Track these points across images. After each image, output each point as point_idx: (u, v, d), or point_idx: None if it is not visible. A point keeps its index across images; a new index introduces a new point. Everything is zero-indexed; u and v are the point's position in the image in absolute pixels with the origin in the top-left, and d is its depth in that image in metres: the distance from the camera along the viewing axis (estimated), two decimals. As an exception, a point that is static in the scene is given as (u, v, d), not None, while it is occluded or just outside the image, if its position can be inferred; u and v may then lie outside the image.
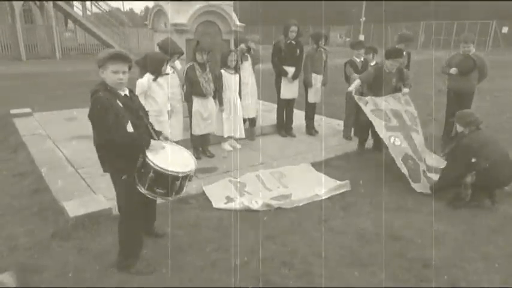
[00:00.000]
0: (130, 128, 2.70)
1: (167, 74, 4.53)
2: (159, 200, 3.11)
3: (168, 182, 2.71)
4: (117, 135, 2.64)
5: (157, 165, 2.66)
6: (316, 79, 6.48)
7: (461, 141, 4.22)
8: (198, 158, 5.52)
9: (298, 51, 6.36)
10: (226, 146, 5.90)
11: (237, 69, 5.71)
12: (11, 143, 6.15)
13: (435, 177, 4.63)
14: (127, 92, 2.82)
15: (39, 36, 22.51)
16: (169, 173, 2.69)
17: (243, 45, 6.01)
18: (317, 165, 5.24)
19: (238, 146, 5.94)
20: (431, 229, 3.65)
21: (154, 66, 4.33)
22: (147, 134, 2.88)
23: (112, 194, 4.06)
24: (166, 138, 3.02)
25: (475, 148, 4.08)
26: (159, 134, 3.00)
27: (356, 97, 5.33)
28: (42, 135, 6.49)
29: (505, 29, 30.33)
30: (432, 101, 8.53)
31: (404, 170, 4.62)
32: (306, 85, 6.53)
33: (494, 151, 4.09)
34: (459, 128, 4.37)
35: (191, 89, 5.22)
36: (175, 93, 4.92)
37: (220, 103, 5.57)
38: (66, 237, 3.43)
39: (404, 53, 5.98)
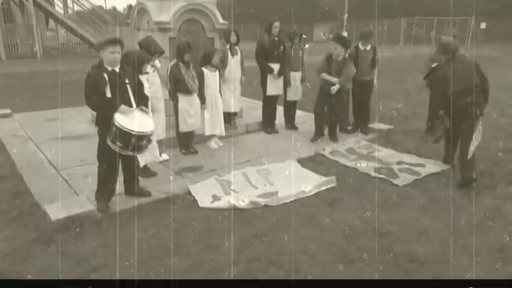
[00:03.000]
0: (108, 94, 3.53)
1: (147, 73, 4.49)
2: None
3: (125, 138, 3.48)
4: (93, 100, 3.54)
5: (118, 123, 3.43)
6: (295, 77, 6.51)
7: (437, 72, 4.62)
8: (185, 154, 5.49)
9: (281, 47, 6.35)
10: (212, 144, 5.87)
11: (219, 68, 5.69)
12: (-10, 146, 5.99)
13: (415, 168, 4.92)
14: (116, 68, 3.61)
15: (19, 35, 22.03)
16: (125, 129, 3.44)
17: (232, 37, 5.98)
18: (303, 162, 5.25)
19: (220, 144, 5.93)
20: (416, 224, 3.69)
21: (133, 65, 4.25)
22: (127, 100, 3.63)
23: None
24: (142, 109, 3.74)
25: (448, 77, 4.39)
26: (140, 103, 3.77)
27: None
28: (23, 137, 6.35)
29: (483, 25, 30.89)
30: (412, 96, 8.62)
31: (381, 176, 4.80)
32: (285, 84, 6.55)
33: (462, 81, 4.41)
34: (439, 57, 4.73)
35: (176, 86, 5.19)
36: (156, 92, 4.85)
37: (202, 101, 5.54)
38: (48, 241, 3.34)
39: (369, 48, 6.39)
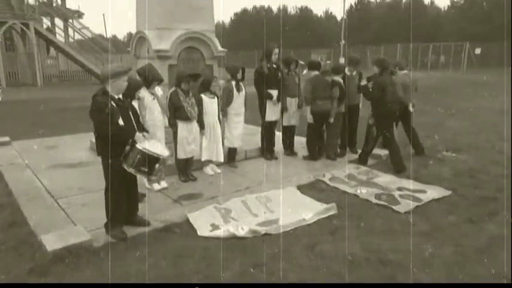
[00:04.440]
0: (121, 122, 3.63)
1: (138, 98, 4.53)
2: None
3: (151, 162, 3.61)
4: (110, 128, 3.48)
5: (144, 148, 3.56)
6: (291, 103, 6.56)
7: (376, 80, 5.93)
8: (184, 181, 5.45)
9: (279, 74, 6.43)
10: (208, 170, 5.86)
11: (217, 95, 5.76)
12: (-13, 174, 5.94)
13: (416, 194, 4.90)
14: (120, 96, 3.74)
15: (20, 63, 22.31)
16: (153, 154, 3.59)
17: (239, 74, 6.03)
18: (303, 188, 5.21)
19: (218, 171, 5.90)
20: (420, 251, 3.62)
21: (127, 91, 4.27)
22: (132, 127, 3.74)
23: (93, 224, 3.99)
24: (144, 136, 3.77)
25: (383, 86, 5.78)
26: (141, 129, 3.85)
27: None
28: (20, 165, 6.31)
29: (477, 50, 31.47)
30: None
31: (382, 203, 4.75)
32: (282, 109, 6.60)
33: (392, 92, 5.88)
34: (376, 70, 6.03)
35: (175, 113, 5.21)
36: (155, 120, 4.87)
37: (202, 127, 5.55)
38: (44, 272, 3.26)
39: (354, 73, 6.82)
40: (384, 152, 6.66)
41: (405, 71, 7.10)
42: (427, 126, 8.98)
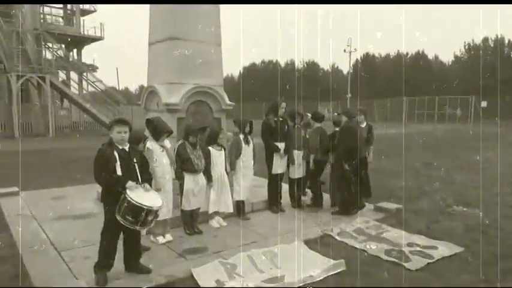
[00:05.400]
0: (118, 172, 3.72)
1: (141, 150, 4.62)
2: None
3: (136, 212, 3.64)
4: (103, 177, 3.72)
5: (130, 197, 3.61)
6: (297, 155, 6.61)
7: (343, 127, 6.33)
8: (189, 234, 5.36)
9: (286, 127, 6.52)
10: (214, 223, 5.79)
11: (225, 147, 5.82)
12: (-6, 225, 5.93)
13: (427, 250, 4.76)
14: (126, 147, 3.86)
15: (34, 114, 22.97)
16: (137, 204, 3.61)
17: (247, 127, 6.13)
18: (310, 243, 5.08)
19: (224, 224, 5.82)
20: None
21: (130, 142, 4.33)
22: (134, 177, 3.81)
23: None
24: (145, 186, 3.87)
25: (351, 131, 6.20)
26: (145, 180, 3.92)
27: None
28: (27, 216, 6.30)
29: (483, 103, 31.84)
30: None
31: (392, 259, 4.61)
32: (289, 161, 6.64)
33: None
34: (343, 119, 6.41)
35: (182, 166, 5.25)
36: (164, 172, 4.90)
37: (209, 179, 5.55)
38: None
39: (364, 125, 7.11)
40: (393, 206, 6.57)
41: (358, 118, 7.08)
42: (435, 179, 8.91)
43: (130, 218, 3.65)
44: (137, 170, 3.89)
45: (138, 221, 3.68)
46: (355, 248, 4.99)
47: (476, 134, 20.45)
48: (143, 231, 4.46)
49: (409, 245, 5.03)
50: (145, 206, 3.66)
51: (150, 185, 4.05)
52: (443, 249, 4.87)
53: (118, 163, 3.73)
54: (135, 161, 3.90)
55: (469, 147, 15.71)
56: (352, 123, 6.39)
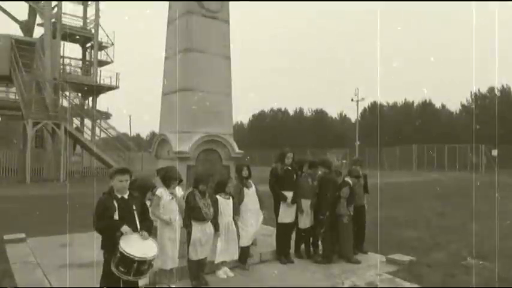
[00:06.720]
0: (116, 217, 3.73)
1: (150, 199, 4.62)
2: None
3: (127, 263, 3.57)
4: (100, 223, 3.75)
5: (121, 248, 3.55)
6: (306, 204, 6.50)
7: (322, 179, 6.59)
8: (195, 286, 5.20)
9: (294, 176, 6.51)
10: (221, 273, 5.65)
11: (232, 195, 5.79)
12: (-2, 273, 5.85)
13: None
14: (125, 195, 3.89)
15: (46, 160, 23.27)
16: (127, 255, 3.54)
17: (244, 171, 6.14)
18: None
19: (231, 274, 5.69)
20: None
21: (139, 191, 4.37)
22: (133, 225, 3.78)
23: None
24: (143, 234, 3.80)
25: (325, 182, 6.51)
26: (143, 228, 3.85)
27: None
28: (32, 264, 6.22)
29: (494, 152, 31.55)
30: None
31: None
32: (298, 211, 6.53)
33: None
34: (320, 170, 6.72)
35: (191, 214, 5.21)
36: (172, 219, 4.87)
37: (217, 228, 5.49)
38: None
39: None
40: (406, 258, 6.37)
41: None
42: (448, 230, 8.69)
43: (122, 269, 3.61)
44: (136, 218, 3.88)
45: (131, 272, 3.61)
46: (368, 302, 4.80)
47: (488, 183, 20.13)
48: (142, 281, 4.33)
49: None
50: (137, 257, 3.59)
51: (150, 233, 3.97)
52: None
53: (117, 212, 3.77)
54: (134, 208, 3.91)
55: (482, 196, 15.40)
56: (330, 175, 6.65)
